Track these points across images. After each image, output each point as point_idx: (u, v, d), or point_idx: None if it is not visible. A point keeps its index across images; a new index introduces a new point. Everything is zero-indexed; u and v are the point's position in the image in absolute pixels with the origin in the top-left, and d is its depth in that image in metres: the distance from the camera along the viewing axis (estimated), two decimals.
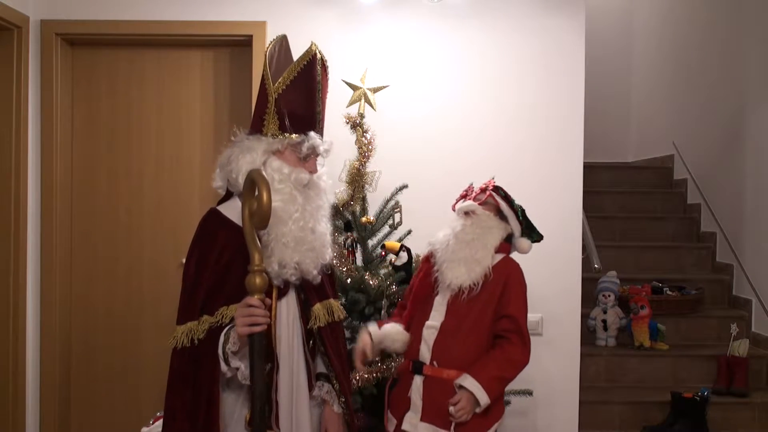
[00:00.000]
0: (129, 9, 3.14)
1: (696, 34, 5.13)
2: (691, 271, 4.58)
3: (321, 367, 2.01)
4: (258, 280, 1.65)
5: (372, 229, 2.83)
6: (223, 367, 1.74)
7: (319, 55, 1.94)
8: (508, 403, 2.83)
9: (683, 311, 4.09)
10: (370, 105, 2.89)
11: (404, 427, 2.15)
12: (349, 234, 2.77)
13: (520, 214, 2.27)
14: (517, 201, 2.32)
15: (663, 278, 4.31)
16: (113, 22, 3.14)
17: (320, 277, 1.92)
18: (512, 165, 3.12)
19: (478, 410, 2.07)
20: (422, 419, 2.12)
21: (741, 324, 3.97)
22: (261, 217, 1.62)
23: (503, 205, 2.25)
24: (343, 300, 2.64)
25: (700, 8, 5.10)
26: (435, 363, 2.13)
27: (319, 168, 1.94)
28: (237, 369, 1.75)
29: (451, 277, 2.14)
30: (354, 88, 2.90)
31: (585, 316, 3.84)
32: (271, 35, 3.12)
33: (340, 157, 2.77)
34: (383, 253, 2.79)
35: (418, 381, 2.15)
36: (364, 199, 2.84)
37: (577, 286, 3.18)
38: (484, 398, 2.04)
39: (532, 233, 2.28)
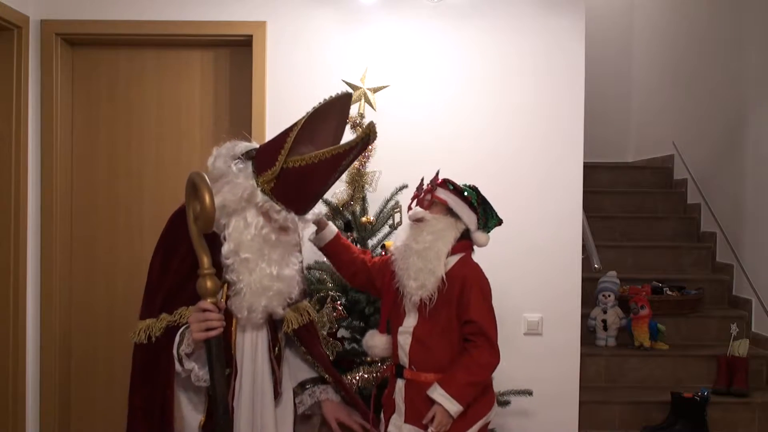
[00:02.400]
0: (129, 9, 3.14)
1: (696, 35, 5.13)
2: (691, 271, 4.58)
3: (305, 373, 2.01)
4: (209, 284, 1.63)
5: (372, 229, 2.83)
6: (178, 367, 1.73)
7: (369, 138, 1.81)
8: (507, 403, 2.84)
9: (683, 311, 4.09)
10: (370, 105, 2.89)
11: (390, 429, 2.18)
12: (349, 234, 2.77)
13: (474, 200, 2.15)
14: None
15: (663, 278, 4.31)
16: (113, 22, 3.14)
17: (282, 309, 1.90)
18: (512, 165, 3.12)
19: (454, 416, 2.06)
20: (406, 421, 2.13)
21: (741, 324, 3.97)
22: (205, 219, 1.60)
23: (451, 201, 2.14)
24: (344, 300, 2.65)
25: (701, 8, 5.10)
26: (413, 367, 2.13)
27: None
28: (191, 370, 1.74)
29: (410, 290, 2.10)
30: (354, 88, 2.90)
31: (585, 316, 3.84)
32: (271, 35, 3.12)
33: None
34: (383, 253, 2.79)
35: (400, 384, 2.16)
36: (364, 199, 2.84)
37: (577, 286, 3.18)
38: (454, 408, 2.03)
39: (489, 221, 2.18)
